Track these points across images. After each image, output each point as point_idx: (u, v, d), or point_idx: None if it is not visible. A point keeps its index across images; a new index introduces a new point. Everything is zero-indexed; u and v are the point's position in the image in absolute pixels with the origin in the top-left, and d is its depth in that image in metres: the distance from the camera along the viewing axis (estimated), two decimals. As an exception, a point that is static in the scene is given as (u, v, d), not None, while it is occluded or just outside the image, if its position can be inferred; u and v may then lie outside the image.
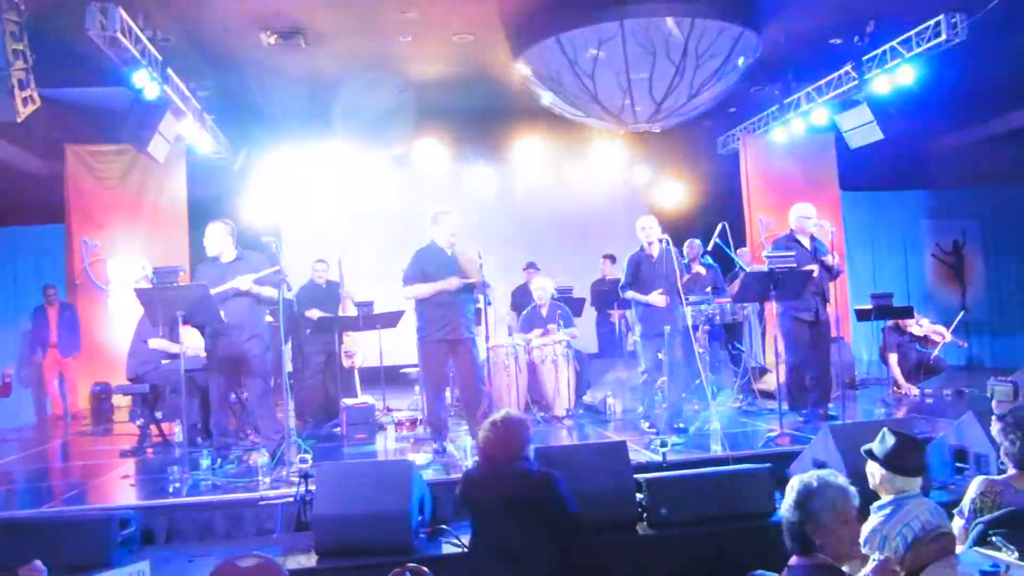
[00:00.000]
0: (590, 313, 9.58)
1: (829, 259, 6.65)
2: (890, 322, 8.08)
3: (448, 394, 7.26)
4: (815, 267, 6.57)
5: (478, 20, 7.38)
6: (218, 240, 5.80)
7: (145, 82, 7.01)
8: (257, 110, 9.88)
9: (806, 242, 6.71)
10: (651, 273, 6.52)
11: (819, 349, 6.74)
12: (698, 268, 8.15)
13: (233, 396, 6.65)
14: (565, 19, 6.94)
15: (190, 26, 7.21)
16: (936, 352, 8.09)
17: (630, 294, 6.61)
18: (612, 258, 9.66)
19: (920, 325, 8.16)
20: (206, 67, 8.32)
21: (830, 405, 6.76)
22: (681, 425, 6.41)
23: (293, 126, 10.39)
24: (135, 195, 9.89)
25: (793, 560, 2.56)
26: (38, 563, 2.98)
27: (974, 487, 3.27)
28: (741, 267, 8.81)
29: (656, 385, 6.70)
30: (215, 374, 5.85)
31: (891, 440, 3.11)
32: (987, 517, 3.02)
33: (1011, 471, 3.30)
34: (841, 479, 2.63)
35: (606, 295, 8.88)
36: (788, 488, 2.66)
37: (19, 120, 5.55)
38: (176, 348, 6.42)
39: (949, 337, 8.27)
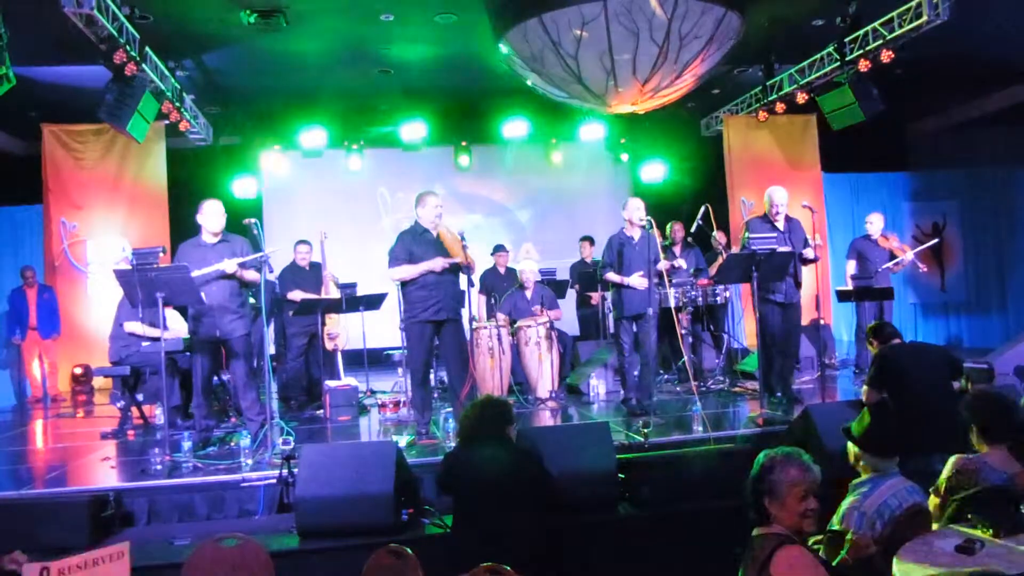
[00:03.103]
0: (570, 295, 9.60)
1: (809, 253, 6.57)
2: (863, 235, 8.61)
3: (432, 376, 7.26)
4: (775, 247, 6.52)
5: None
6: (221, 217, 5.75)
7: (123, 61, 6.90)
8: (237, 90, 9.77)
9: (780, 224, 6.70)
10: (632, 255, 6.54)
11: (787, 332, 6.66)
12: (680, 261, 8.12)
13: (216, 378, 6.63)
14: (548, -1, 6.91)
15: (168, 4, 7.10)
16: (890, 265, 8.30)
17: (609, 275, 6.62)
18: (591, 240, 9.66)
19: (886, 238, 8.48)
20: (185, 46, 8.22)
21: (794, 388, 6.75)
22: (640, 417, 6.23)
23: (274, 107, 10.30)
24: (114, 175, 9.77)
25: (754, 531, 2.66)
26: (19, 554, 2.95)
27: (950, 465, 3.31)
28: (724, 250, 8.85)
29: (636, 367, 6.72)
30: (198, 356, 5.83)
31: (868, 419, 3.15)
32: (962, 495, 3.06)
33: (985, 449, 3.34)
34: (806, 457, 2.70)
35: (586, 277, 8.88)
36: (755, 461, 2.75)
37: (-7, 99, 5.47)
38: (153, 332, 6.40)
39: (911, 255, 8.49)
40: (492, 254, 9.06)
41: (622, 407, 6.69)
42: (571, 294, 9.53)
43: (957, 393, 4.78)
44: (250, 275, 5.69)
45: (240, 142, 10.92)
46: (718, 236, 8.93)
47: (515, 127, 10.88)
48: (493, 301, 8.20)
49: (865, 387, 4.86)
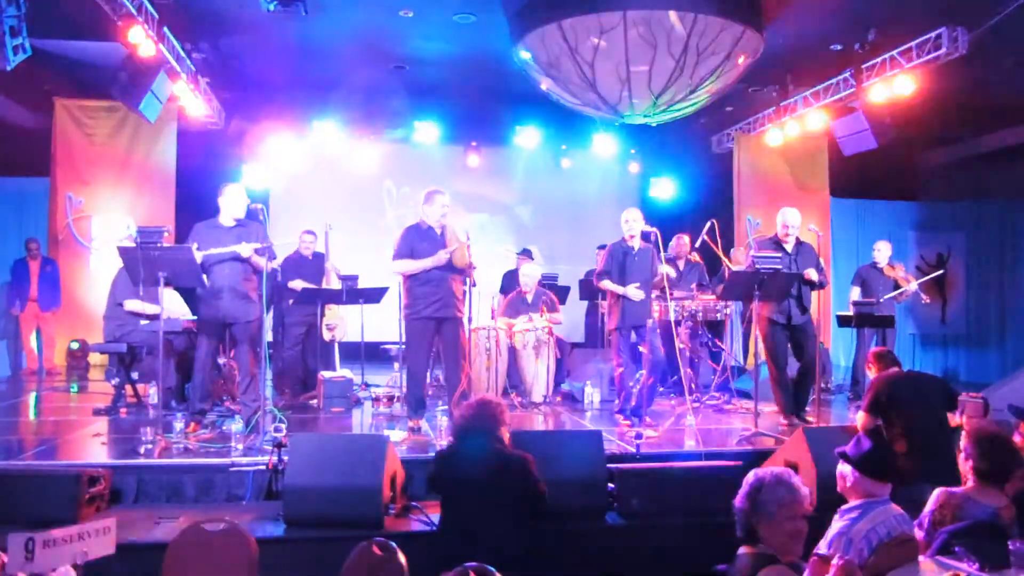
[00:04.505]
0: (580, 302, 9.60)
1: (811, 274, 6.56)
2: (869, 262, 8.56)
3: (428, 373, 7.26)
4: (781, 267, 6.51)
5: (480, 0, 7.33)
6: (242, 202, 5.79)
7: (140, 39, 6.91)
8: (252, 77, 9.77)
9: (789, 247, 6.70)
10: (631, 266, 6.53)
11: (796, 352, 6.66)
12: (666, 268, 8.07)
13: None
14: (568, 6, 6.91)
15: (189, -15, 7.13)
16: (894, 295, 8.25)
17: (606, 283, 6.60)
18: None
19: (893, 267, 8.44)
20: (203, 29, 8.22)
21: (807, 409, 6.75)
22: (633, 428, 6.26)
23: (287, 96, 10.29)
24: (123, 153, 9.79)
25: (740, 550, 2.66)
26: None
27: (933, 499, 3.31)
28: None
29: (632, 378, 6.70)
30: (202, 336, 5.83)
31: (867, 444, 3.14)
32: (951, 527, 3.05)
33: (970, 483, 3.34)
34: (795, 479, 2.70)
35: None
36: (744, 480, 2.75)
37: (8, 68, 5.47)
38: (152, 309, 6.40)
39: (915, 286, 8.44)
40: (519, 253, 9.16)
41: (616, 417, 6.67)
42: (580, 301, 9.54)
43: (951, 426, 4.78)
44: (262, 262, 5.71)
45: (251, 128, 10.92)
46: (735, 254, 8.96)
47: (527, 131, 10.90)
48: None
49: (860, 412, 4.85)
